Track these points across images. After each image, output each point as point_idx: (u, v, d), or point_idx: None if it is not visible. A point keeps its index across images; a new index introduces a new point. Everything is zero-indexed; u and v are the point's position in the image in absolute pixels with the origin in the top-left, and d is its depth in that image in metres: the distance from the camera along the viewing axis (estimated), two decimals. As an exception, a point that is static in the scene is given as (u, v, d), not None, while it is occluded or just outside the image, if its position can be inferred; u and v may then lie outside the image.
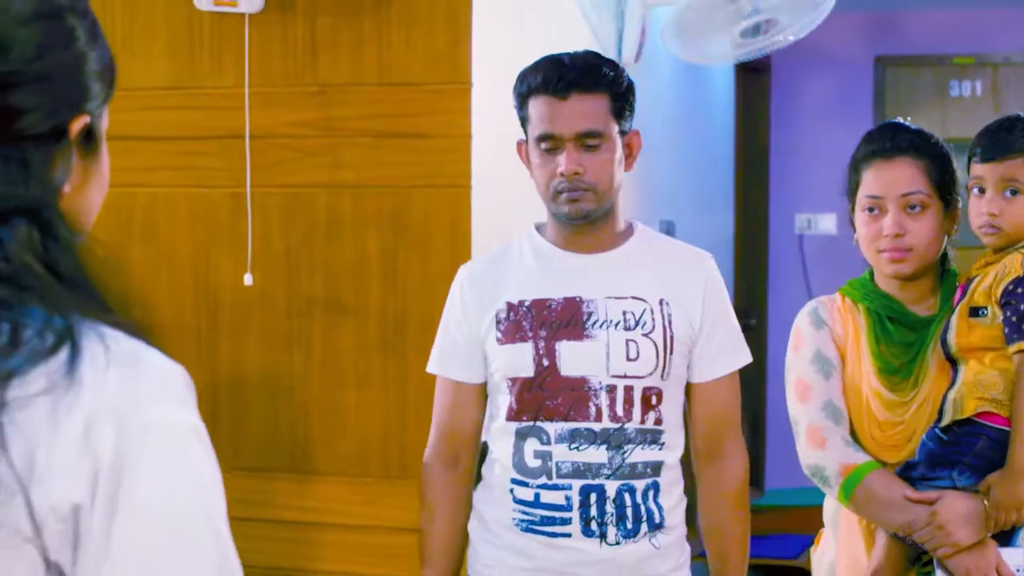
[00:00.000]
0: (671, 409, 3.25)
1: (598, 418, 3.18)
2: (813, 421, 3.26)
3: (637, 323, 3.20)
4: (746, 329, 3.58)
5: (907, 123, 3.41)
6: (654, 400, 3.21)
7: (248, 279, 4.22)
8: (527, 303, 3.24)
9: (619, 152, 3.21)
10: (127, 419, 1.41)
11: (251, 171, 4.25)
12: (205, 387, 4.31)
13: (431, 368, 3.40)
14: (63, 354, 1.39)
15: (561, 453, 3.18)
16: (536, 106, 3.18)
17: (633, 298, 3.23)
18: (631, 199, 5.16)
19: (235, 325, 4.31)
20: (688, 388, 3.32)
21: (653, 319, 3.21)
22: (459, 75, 4.08)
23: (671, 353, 3.21)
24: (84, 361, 1.40)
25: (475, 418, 3.37)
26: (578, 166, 3.14)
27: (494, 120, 4.14)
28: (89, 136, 1.55)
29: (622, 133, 3.23)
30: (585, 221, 3.22)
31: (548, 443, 3.19)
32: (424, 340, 4.07)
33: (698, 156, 7.66)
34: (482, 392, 3.35)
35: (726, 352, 3.31)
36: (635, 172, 3.41)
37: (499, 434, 3.28)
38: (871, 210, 3.29)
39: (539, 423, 3.20)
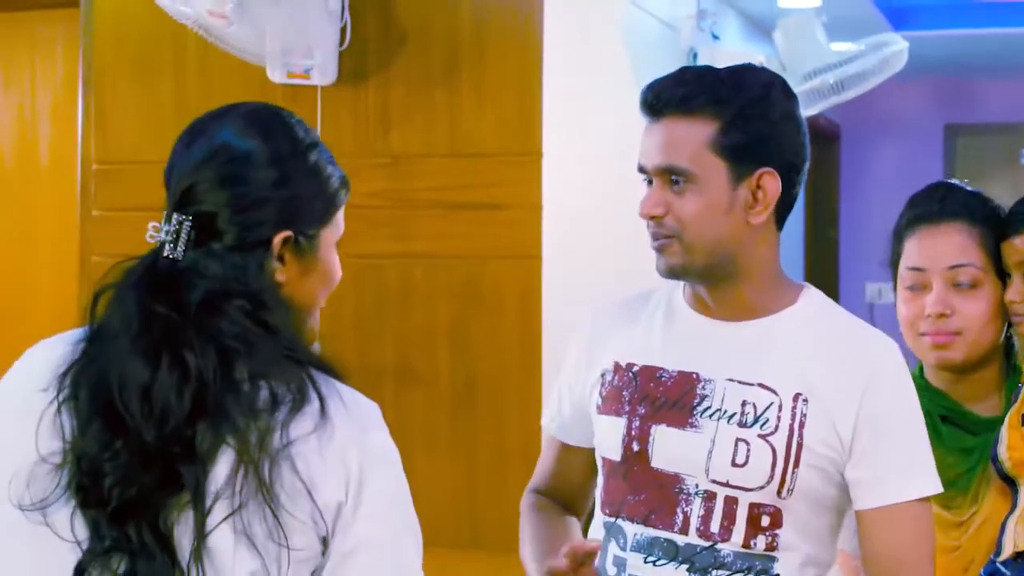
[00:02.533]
0: (799, 536, 2.46)
1: (684, 530, 2.46)
2: (846, 544, 2.61)
3: (756, 420, 2.44)
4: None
5: (961, 184, 2.92)
6: (765, 521, 2.44)
7: (316, 348, 4.23)
8: (636, 368, 2.56)
9: (721, 197, 2.44)
10: (364, 444, 2.07)
11: (323, 241, 4.27)
12: (276, 456, 4.32)
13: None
14: (315, 404, 2.01)
15: (635, 565, 2.51)
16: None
17: (760, 386, 2.46)
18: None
19: (306, 394, 4.32)
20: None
21: (779, 417, 2.44)
22: (530, 145, 4.10)
23: (796, 465, 2.42)
24: (330, 407, 2.02)
25: (580, 481, 2.75)
26: (656, 207, 2.45)
27: (565, 190, 4.16)
28: (299, 243, 2.09)
29: (739, 173, 2.44)
30: (681, 279, 2.54)
31: (624, 549, 2.53)
32: (494, 408, 4.08)
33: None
34: (591, 457, 2.68)
35: (895, 474, 2.45)
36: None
37: (597, 524, 2.63)
38: (913, 287, 2.82)
39: (619, 521, 2.54)
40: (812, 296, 2.58)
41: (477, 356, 4.15)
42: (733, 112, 2.43)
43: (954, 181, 2.95)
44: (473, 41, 4.17)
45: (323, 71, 4.18)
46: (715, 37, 5.04)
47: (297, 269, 2.11)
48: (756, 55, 4.76)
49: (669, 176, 2.44)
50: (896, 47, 4.72)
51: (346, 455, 2.04)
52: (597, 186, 4.44)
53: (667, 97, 2.45)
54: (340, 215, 2.20)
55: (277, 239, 2.06)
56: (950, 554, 2.69)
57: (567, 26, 4.23)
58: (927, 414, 2.56)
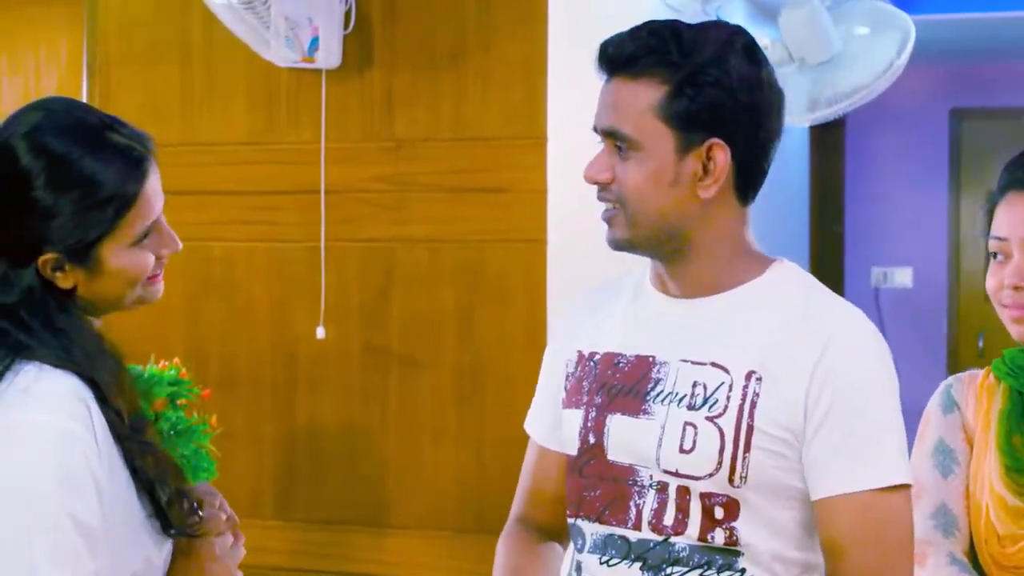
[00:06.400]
0: (761, 530, 2.23)
1: (636, 525, 2.27)
2: (919, 531, 2.35)
3: (705, 401, 2.23)
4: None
5: None
6: (719, 513, 2.22)
7: (320, 332, 4.24)
8: (598, 356, 2.38)
9: (666, 167, 2.24)
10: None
11: (326, 225, 4.27)
12: (282, 440, 4.33)
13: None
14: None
15: (591, 568, 2.32)
16: None
17: (713, 365, 2.25)
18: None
19: (311, 378, 4.33)
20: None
21: (729, 397, 2.22)
22: (535, 130, 4.10)
23: (747, 450, 2.19)
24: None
25: (560, 496, 2.46)
26: (600, 172, 2.29)
27: (569, 174, 4.15)
28: (73, 259, 2.12)
29: (687, 142, 2.23)
30: (629, 252, 2.35)
31: (582, 551, 2.35)
32: (499, 394, 4.08)
33: (773, 210, 7.63)
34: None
35: (845, 459, 2.18)
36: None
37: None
38: (995, 255, 2.52)
39: (578, 521, 2.35)
40: (781, 269, 2.36)
41: (482, 340, 4.15)
42: (682, 76, 2.21)
43: None
44: (478, 25, 4.16)
45: (328, 55, 4.17)
46: (720, 21, 5.04)
47: (83, 276, 2.15)
48: (761, 39, 4.75)
49: (615, 140, 2.27)
50: (902, 59, 4.69)
51: None
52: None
53: (614, 54, 2.28)
54: (143, 208, 2.16)
55: (40, 261, 2.13)
56: (1018, 544, 2.44)
57: (572, 9, 4.22)
58: (1019, 396, 2.44)
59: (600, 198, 2.32)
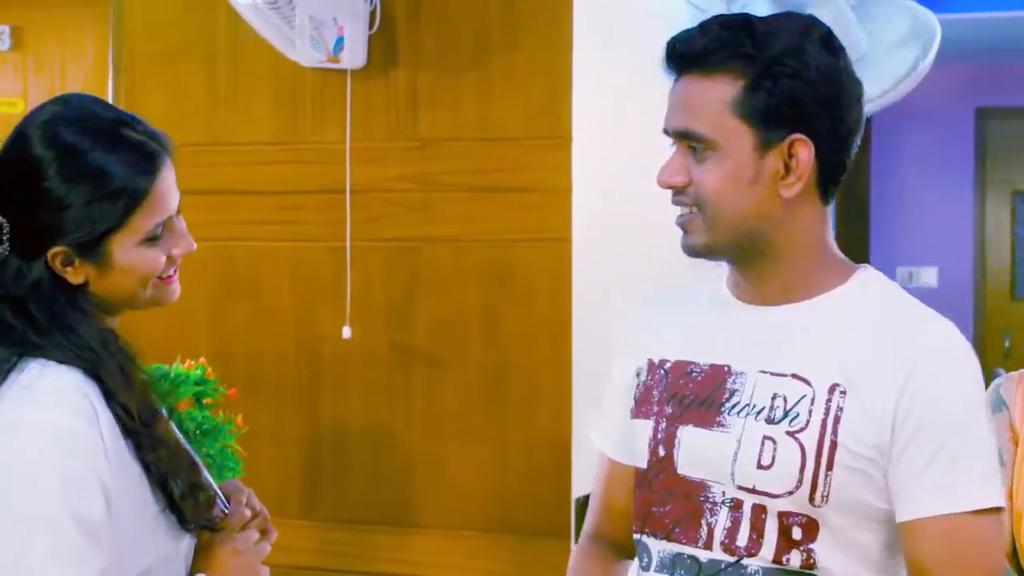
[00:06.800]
0: (841, 554, 2.11)
1: (708, 544, 2.15)
2: None
3: (785, 415, 2.11)
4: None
5: None
6: (797, 534, 2.09)
7: (347, 332, 4.24)
8: (668, 365, 2.26)
9: (746, 166, 2.13)
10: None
11: (351, 225, 4.27)
12: (307, 439, 4.33)
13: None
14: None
15: None
16: None
17: (794, 377, 2.13)
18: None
19: (336, 378, 4.33)
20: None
21: (811, 411, 2.10)
22: (559, 129, 4.09)
23: (829, 467, 2.07)
24: (3, 386, 2.07)
25: (631, 503, 2.33)
26: (675, 175, 2.16)
27: (595, 173, 4.15)
28: (82, 253, 2.13)
29: (767, 139, 2.12)
30: (707, 258, 2.24)
31: (648, 568, 2.24)
32: (524, 393, 4.08)
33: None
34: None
35: (942, 479, 2.06)
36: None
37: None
38: None
39: (644, 538, 2.25)
40: (866, 277, 2.25)
41: (507, 339, 4.15)
42: (759, 69, 2.09)
43: None
44: (503, 24, 4.16)
45: (352, 55, 4.18)
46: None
47: (93, 272, 2.17)
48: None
49: (689, 142, 2.14)
50: (928, 60, 4.66)
51: None
52: (627, 169, 4.42)
53: (684, 51, 2.14)
54: (154, 204, 2.16)
55: (49, 255, 2.14)
56: None
57: (597, 9, 4.22)
58: None
59: (675, 202, 2.19)
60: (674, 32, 2.21)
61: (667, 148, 2.20)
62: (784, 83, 2.09)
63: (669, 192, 2.18)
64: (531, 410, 4.09)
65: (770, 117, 2.10)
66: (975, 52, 8.42)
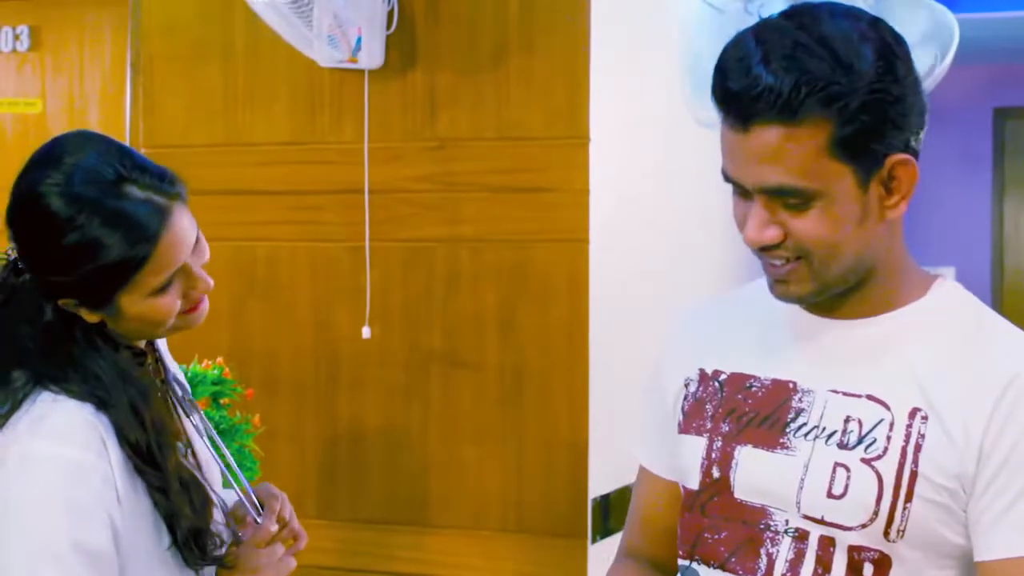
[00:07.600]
0: None
1: None
2: None
3: (860, 440, 1.95)
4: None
5: None
6: (868, 570, 1.93)
7: (366, 332, 4.24)
8: (723, 377, 2.12)
9: (852, 205, 1.94)
10: (9, 449, 2.14)
11: (370, 225, 4.27)
12: (324, 439, 4.33)
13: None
14: (15, 413, 2.14)
15: None
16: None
17: (870, 398, 1.97)
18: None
19: (354, 378, 4.33)
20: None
21: (889, 438, 1.94)
22: (577, 130, 4.09)
23: (908, 499, 1.92)
24: (15, 416, 2.12)
25: (673, 526, 2.21)
26: (766, 231, 1.95)
27: (613, 174, 4.15)
28: (93, 305, 2.18)
29: (867, 170, 1.93)
30: (806, 303, 2.07)
31: None
32: (542, 394, 4.08)
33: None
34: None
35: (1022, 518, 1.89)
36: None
37: None
38: None
39: (695, 565, 2.09)
40: (945, 289, 2.09)
41: (525, 340, 4.15)
42: (856, 103, 1.88)
43: None
44: (521, 24, 4.16)
45: (370, 55, 4.18)
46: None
47: (108, 317, 2.22)
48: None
49: (784, 199, 1.93)
50: (946, 61, 4.64)
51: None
52: (645, 170, 4.43)
53: (752, 99, 1.88)
54: (159, 263, 2.17)
55: (63, 303, 2.20)
56: None
57: (615, 9, 4.22)
58: None
59: (771, 256, 1.99)
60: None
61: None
62: (876, 108, 1.90)
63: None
64: (548, 410, 4.08)
65: (867, 148, 1.92)
66: (994, 52, 8.40)
